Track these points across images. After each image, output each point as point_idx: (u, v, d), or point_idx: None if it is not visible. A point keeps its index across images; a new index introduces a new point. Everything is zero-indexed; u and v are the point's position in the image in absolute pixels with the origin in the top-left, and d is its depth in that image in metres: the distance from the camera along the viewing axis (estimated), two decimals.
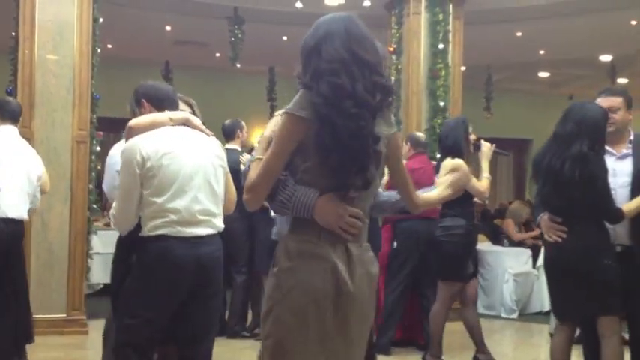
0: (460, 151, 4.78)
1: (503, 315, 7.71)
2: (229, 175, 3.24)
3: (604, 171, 3.55)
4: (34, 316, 5.42)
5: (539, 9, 8.31)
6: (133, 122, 3.03)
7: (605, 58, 10.55)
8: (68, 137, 5.96)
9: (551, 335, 5.93)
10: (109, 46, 8.69)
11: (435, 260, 5.08)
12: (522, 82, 12.79)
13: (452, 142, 4.80)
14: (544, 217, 3.70)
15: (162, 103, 3.10)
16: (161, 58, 10.67)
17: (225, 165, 3.17)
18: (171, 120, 3.04)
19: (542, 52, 10.35)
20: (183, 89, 3.64)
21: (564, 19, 8.51)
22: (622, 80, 11.13)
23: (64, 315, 5.73)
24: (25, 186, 4.39)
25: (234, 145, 6.01)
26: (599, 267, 3.53)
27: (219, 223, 3.05)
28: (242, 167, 5.77)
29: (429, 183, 3.93)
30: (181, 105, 3.30)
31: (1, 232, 4.20)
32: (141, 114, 3.09)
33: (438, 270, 5.02)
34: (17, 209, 4.32)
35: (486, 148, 4.83)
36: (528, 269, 8.04)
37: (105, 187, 3.39)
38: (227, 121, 6.18)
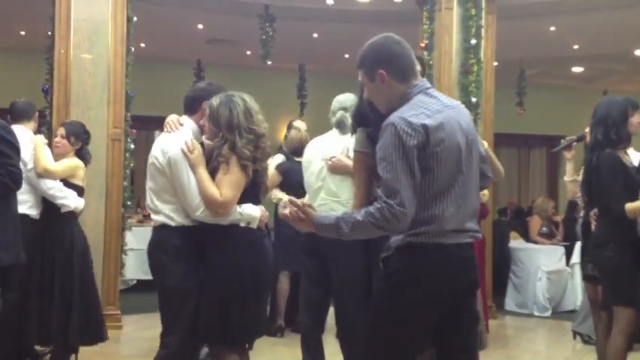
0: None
1: (536, 313, 7.64)
2: (189, 172, 3.14)
3: (614, 161, 3.56)
4: None
5: (573, 3, 8.19)
6: None
7: None
8: (103, 135, 6.04)
9: (574, 333, 5.95)
10: (143, 45, 8.79)
11: None
12: (556, 78, 12.62)
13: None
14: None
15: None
16: (193, 57, 10.76)
17: (159, 162, 3.20)
18: None
19: (576, 46, 10.20)
20: None
21: (598, 13, 8.38)
22: None
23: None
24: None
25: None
26: (599, 258, 3.71)
27: (156, 217, 3.27)
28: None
29: None
30: None
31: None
32: None
33: None
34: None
35: None
36: (562, 267, 7.95)
37: None
38: None
